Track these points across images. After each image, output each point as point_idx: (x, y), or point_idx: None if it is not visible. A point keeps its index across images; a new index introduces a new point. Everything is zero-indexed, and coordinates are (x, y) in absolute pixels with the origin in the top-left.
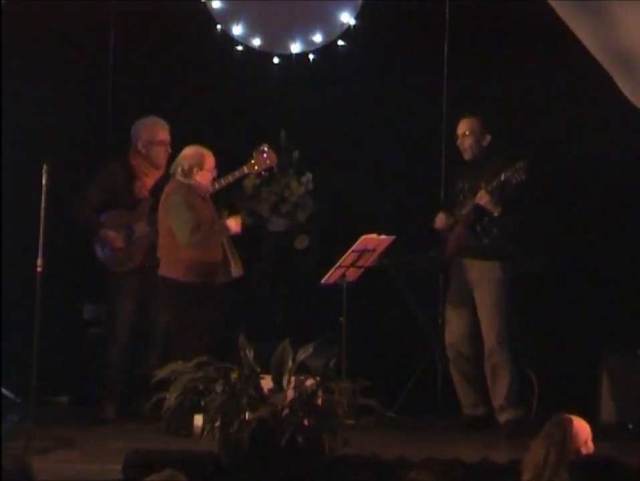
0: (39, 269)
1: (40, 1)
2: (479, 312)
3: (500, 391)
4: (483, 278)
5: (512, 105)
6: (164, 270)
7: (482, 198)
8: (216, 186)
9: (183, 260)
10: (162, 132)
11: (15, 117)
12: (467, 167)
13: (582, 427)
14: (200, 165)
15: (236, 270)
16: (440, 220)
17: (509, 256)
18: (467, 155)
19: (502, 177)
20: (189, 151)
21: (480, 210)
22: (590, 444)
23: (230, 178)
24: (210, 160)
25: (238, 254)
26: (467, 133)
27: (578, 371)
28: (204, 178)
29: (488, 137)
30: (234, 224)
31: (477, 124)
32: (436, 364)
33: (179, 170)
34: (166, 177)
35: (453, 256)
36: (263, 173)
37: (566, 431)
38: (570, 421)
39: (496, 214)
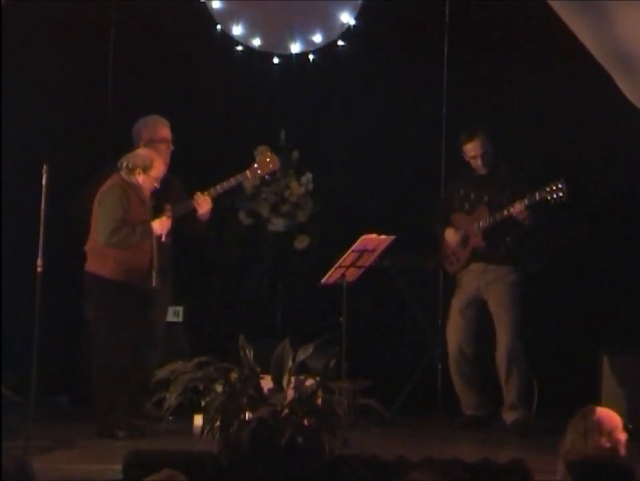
0: (39, 269)
1: (40, 1)
2: (494, 312)
3: (513, 388)
4: (498, 280)
5: (512, 105)
6: (91, 266)
7: (521, 214)
8: (218, 189)
9: (110, 257)
10: (164, 129)
11: (15, 117)
12: (469, 174)
13: (606, 418)
14: (145, 168)
15: (156, 281)
16: (451, 236)
17: (522, 259)
18: (484, 171)
19: (537, 196)
20: (142, 151)
21: (500, 222)
22: (619, 436)
23: (232, 182)
24: (158, 168)
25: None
26: (480, 152)
27: (578, 371)
28: (146, 182)
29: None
30: (158, 225)
31: (487, 142)
32: (436, 364)
33: (124, 165)
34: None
35: (464, 269)
36: (266, 177)
37: (588, 422)
38: (593, 412)
39: (526, 225)
